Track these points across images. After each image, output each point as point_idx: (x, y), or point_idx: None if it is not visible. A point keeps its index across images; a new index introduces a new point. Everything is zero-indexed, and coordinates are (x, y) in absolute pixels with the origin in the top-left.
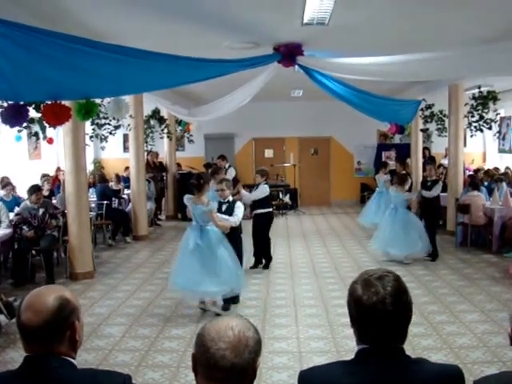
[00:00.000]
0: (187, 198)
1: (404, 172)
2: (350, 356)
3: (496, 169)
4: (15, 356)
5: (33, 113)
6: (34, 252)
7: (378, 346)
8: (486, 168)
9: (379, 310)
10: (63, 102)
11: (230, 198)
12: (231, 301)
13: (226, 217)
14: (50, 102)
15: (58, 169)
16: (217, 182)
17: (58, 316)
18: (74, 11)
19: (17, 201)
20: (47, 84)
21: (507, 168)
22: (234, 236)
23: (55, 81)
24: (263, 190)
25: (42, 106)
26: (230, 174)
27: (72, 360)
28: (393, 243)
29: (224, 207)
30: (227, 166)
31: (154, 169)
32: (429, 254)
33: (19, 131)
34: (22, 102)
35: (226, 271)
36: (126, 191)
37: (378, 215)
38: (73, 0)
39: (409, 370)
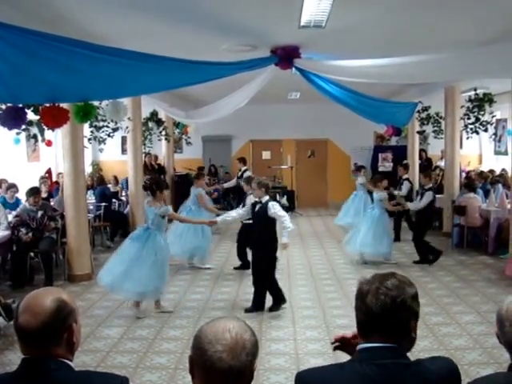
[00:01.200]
0: (146, 201)
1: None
2: (347, 358)
3: (491, 171)
4: (13, 358)
5: (31, 115)
6: (32, 254)
7: (375, 343)
8: (480, 170)
9: (370, 301)
10: (61, 105)
11: (264, 199)
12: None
13: (285, 230)
14: (48, 105)
15: (49, 171)
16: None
17: (56, 318)
18: (71, 14)
19: (19, 203)
20: (45, 87)
21: (503, 170)
22: (270, 255)
23: (53, 83)
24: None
25: (40, 108)
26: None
27: (69, 362)
28: (366, 243)
29: (257, 207)
30: (243, 169)
31: (152, 171)
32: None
33: (18, 134)
34: (20, 105)
35: (150, 276)
36: (123, 193)
37: (355, 216)
38: (70, 2)
39: (406, 372)
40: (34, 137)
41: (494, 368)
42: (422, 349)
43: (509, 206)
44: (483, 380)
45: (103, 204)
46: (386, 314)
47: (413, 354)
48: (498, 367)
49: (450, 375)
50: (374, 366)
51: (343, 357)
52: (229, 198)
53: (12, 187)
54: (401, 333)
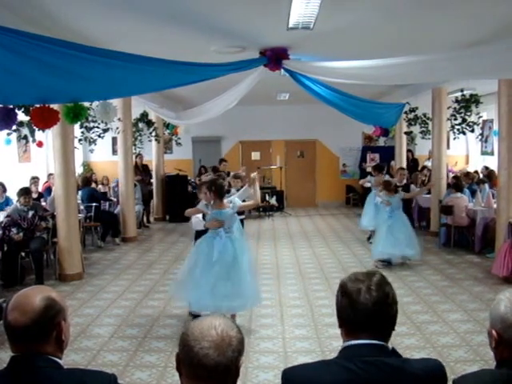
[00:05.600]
0: (203, 205)
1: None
2: (334, 356)
3: (486, 168)
4: (4, 357)
5: (22, 116)
6: (23, 254)
7: (363, 340)
8: (467, 170)
9: (364, 298)
10: (52, 106)
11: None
12: None
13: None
14: (38, 106)
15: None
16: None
17: (45, 316)
18: (62, 16)
19: (9, 202)
20: (36, 87)
21: (486, 167)
22: None
23: (44, 84)
24: None
25: (30, 109)
26: None
27: (58, 360)
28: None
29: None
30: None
31: (143, 171)
32: None
33: (8, 134)
34: (11, 106)
35: (248, 283)
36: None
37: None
38: (62, 5)
39: (391, 368)
40: (25, 137)
41: (480, 365)
42: (408, 346)
43: (495, 206)
44: (470, 377)
45: (94, 204)
46: (380, 310)
47: (399, 351)
48: (483, 364)
49: (437, 374)
50: (361, 363)
51: (330, 355)
52: None
53: None
54: (389, 328)
